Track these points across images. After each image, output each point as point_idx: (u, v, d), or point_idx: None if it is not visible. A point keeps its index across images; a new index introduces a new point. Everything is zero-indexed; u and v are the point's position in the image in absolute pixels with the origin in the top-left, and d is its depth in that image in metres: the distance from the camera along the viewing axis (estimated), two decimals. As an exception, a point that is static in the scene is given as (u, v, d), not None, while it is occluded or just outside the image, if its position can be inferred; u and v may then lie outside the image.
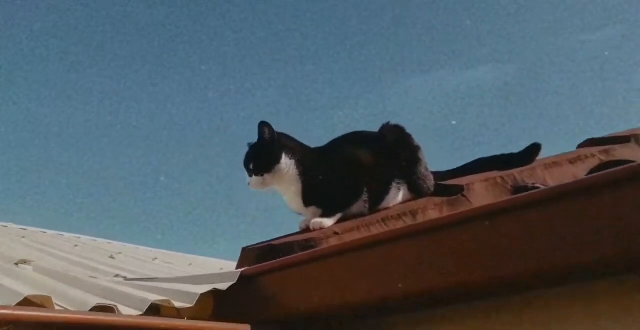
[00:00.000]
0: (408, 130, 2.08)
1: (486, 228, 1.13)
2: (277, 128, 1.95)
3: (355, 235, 1.72)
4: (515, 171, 1.98)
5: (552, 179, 1.98)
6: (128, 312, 1.25)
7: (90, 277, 1.81)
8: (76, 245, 3.47)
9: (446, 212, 1.82)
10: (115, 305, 1.23)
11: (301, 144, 1.99)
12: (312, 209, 1.92)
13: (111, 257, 3.15)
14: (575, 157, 2.06)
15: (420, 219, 1.79)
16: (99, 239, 5.19)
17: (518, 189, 1.92)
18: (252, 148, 1.95)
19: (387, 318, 1.47)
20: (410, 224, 1.55)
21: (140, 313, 1.27)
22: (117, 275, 1.83)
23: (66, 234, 4.82)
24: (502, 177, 1.95)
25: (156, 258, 3.98)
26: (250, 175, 1.90)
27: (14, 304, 1.07)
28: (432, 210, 1.82)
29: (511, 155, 2.17)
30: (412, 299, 1.30)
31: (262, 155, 1.90)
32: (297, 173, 1.89)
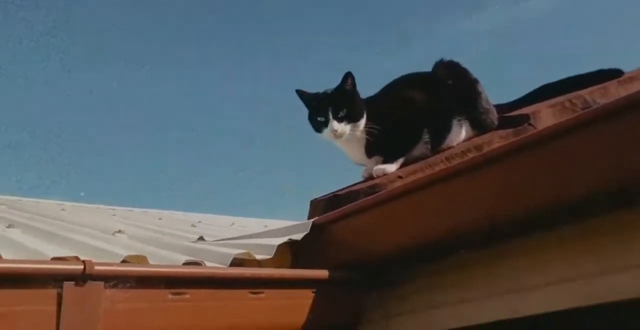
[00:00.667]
0: (463, 65, 2.00)
1: (555, 150, 1.08)
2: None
3: (419, 176, 1.71)
4: (584, 92, 1.86)
5: (628, 96, 1.83)
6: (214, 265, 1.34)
7: (177, 240, 1.95)
8: (160, 219, 3.73)
9: (513, 144, 1.76)
10: (202, 261, 1.32)
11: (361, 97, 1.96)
12: (375, 158, 1.92)
13: (193, 225, 3.36)
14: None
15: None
16: (179, 212, 5.54)
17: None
18: (338, 95, 1.87)
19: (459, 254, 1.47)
20: (474, 156, 1.52)
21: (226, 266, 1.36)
22: (200, 238, 1.96)
23: (150, 210, 5.18)
24: (570, 100, 1.84)
25: (233, 223, 4.19)
26: (339, 122, 1.81)
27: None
28: (498, 143, 1.76)
29: (579, 77, 2.03)
30: (481, 232, 1.29)
31: (351, 105, 1.85)
32: (364, 126, 1.88)
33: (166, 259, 1.38)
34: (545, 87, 2.08)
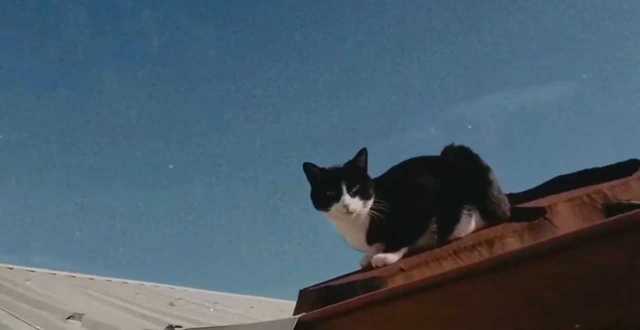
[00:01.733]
0: (474, 151, 1.88)
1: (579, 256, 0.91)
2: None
3: (424, 272, 1.52)
4: (603, 186, 1.72)
5: (652, 194, 1.69)
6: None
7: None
8: (137, 293, 3.43)
9: (528, 240, 1.58)
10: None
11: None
12: (376, 245, 1.74)
13: (171, 304, 3.07)
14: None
15: (497, 249, 1.56)
16: (161, 285, 5.20)
17: (610, 207, 1.65)
18: (351, 169, 1.74)
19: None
20: (489, 257, 1.34)
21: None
22: (170, 327, 1.71)
23: (130, 282, 4.86)
24: (589, 195, 1.69)
25: (217, 302, 3.88)
26: (352, 197, 1.66)
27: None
28: (511, 238, 1.59)
29: (596, 170, 1.91)
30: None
31: (364, 181, 1.72)
32: (370, 208, 1.72)
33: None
34: (561, 178, 1.95)
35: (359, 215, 1.69)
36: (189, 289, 5.37)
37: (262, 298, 5.96)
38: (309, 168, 1.79)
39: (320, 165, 1.79)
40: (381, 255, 1.66)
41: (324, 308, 1.37)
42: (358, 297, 1.34)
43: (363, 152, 1.76)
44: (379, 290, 1.33)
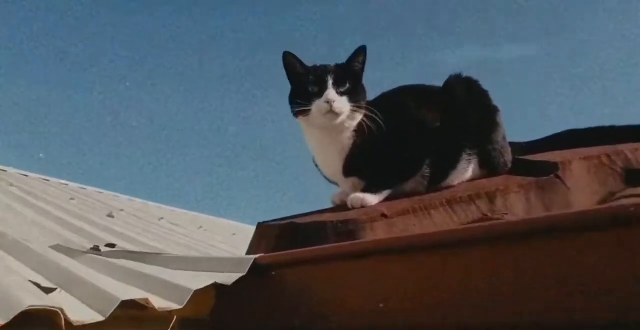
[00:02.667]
0: (483, 86, 1.58)
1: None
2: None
3: (410, 221, 1.28)
4: (626, 147, 1.49)
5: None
6: (79, 316, 0.83)
7: (53, 246, 1.40)
8: (72, 199, 3.10)
9: (534, 199, 1.35)
10: (61, 309, 0.81)
11: None
12: (353, 179, 1.46)
13: (110, 215, 2.77)
14: None
15: (499, 204, 1.33)
16: (105, 192, 4.87)
17: (632, 173, 1.43)
18: (344, 67, 1.42)
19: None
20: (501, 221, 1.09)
21: (101, 318, 0.86)
22: (94, 247, 1.42)
23: (70, 184, 4.49)
24: (608, 156, 1.46)
25: (162, 217, 3.62)
26: (339, 95, 1.37)
27: None
28: (515, 194, 1.35)
29: (615, 128, 1.67)
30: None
31: (357, 83, 1.41)
32: (355, 128, 1.42)
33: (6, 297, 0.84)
34: (572, 132, 1.70)
35: (343, 126, 1.39)
36: (135, 199, 5.08)
37: (213, 217, 5.77)
38: (288, 60, 1.44)
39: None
40: (359, 195, 1.39)
41: (286, 252, 1.11)
42: (330, 245, 1.08)
43: (361, 51, 1.43)
44: (357, 241, 1.07)
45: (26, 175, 4.16)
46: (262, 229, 1.41)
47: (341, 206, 1.44)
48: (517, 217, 1.08)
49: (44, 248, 1.28)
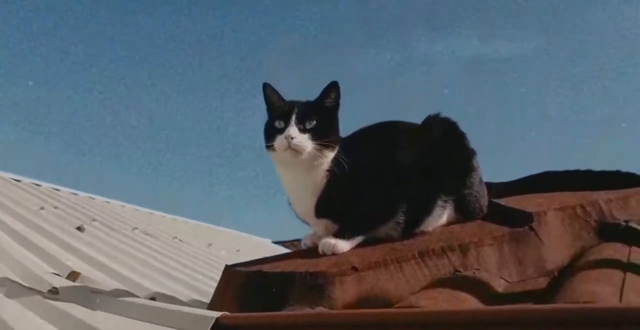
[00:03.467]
0: (461, 127, 1.56)
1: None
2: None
3: (382, 275, 1.24)
4: (601, 198, 1.47)
5: (652, 216, 1.47)
6: None
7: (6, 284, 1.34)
8: (42, 208, 3.00)
9: (508, 253, 1.33)
10: None
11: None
12: (326, 221, 1.43)
13: (80, 228, 2.69)
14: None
15: (471, 257, 1.30)
16: (81, 194, 4.74)
17: (605, 226, 1.42)
18: (313, 105, 1.41)
19: None
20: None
21: None
22: (52, 290, 1.35)
23: (44, 185, 4.37)
24: (583, 207, 1.44)
25: (136, 228, 3.53)
26: (301, 132, 1.34)
27: None
28: (489, 247, 1.33)
29: (591, 173, 1.67)
30: None
31: (326, 121, 1.38)
32: (328, 168, 1.38)
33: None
34: (549, 175, 1.70)
35: (313, 164, 1.36)
36: (111, 202, 4.97)
37: (191, 222, 5.70)
38: (267, 92, 1.43)
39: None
40: (331, 241, 1.36)
41: (251, 315, 1.07)
42: (298, 312, 1.04)
43: (332, 86, 1.40)
44: (328, 313, 1.03)
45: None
46: (229, 274, 1.36)
47: (313, 250, 1.40)
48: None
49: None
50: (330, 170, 1.38)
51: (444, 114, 1.56)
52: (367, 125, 1.58)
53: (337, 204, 1.39)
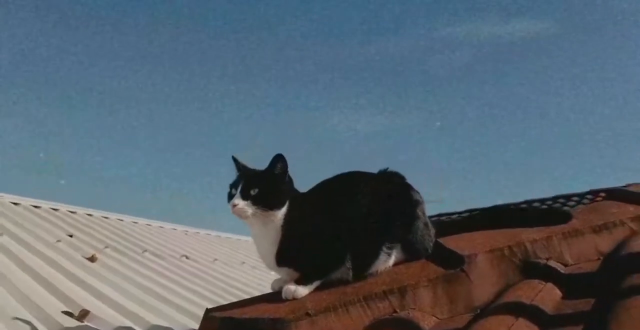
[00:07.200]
0: (407, 180, 1.79)
1: None
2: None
3: (331, 318, 1.49)
4: (527, 238, 1.69)
5: (571, 254, 1.69)
6: None
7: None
8: (59, 241, 3.31)
9: (441, 292, 1.57)
10: None
11: (296, 191, 1.72)
12: (287, 269, 1.68)
13: (91, 259, 2.99)
14: (601, 225, 1.76)
15: (409, 298, 1.54)
16: (96, 213, 5.06)
17: (528, 265, 1.64)
18: (259, 174, 1.67)
19: None
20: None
21: None
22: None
23: (61, 208, 4.71)
24: (510, 248, 1.67)
25: (146, 250, 3.82)
26: (243, 199, 1.59)
27: None
28: (424, 288, 1.56)
29: (534, 211, 1.89)
30: None
31: (271, 189, 1.63)
32: (282, 224, 1.63)
33: None
34: (498, 210, 1.92)
35: (268, 220, 1.61)
36: (124, 218, 5.29)
37: (200, 231, 5.99)
38: (234, 161, 1.73)
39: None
40: (292, 287, 1.61)
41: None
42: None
43: (277, 159, 1.66)
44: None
45: (17, 204, 4.37)
46: (208, 319, 1.62)
47: (279, 294, 1.66)
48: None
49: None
50: (284, 225, 1.62)
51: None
52: (328, 178, 1.82)
53: (293, 254, 1.64)
